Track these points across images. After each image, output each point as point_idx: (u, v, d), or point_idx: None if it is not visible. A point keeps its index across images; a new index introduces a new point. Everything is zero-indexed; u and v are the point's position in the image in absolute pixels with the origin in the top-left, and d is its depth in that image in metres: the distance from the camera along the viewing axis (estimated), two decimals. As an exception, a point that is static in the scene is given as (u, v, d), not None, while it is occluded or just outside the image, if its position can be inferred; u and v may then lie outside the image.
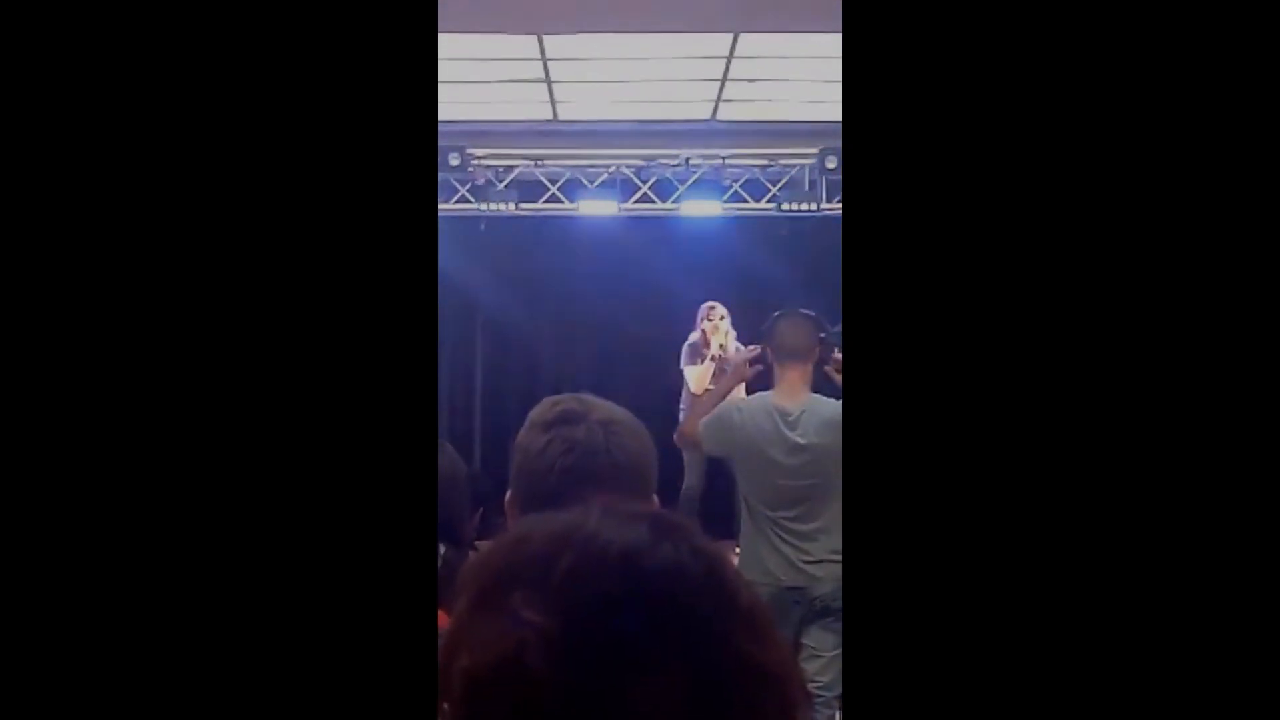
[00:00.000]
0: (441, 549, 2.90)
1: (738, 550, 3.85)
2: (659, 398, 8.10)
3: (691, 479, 7.09)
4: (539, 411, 1.81)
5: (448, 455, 3.24)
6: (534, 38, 7.03)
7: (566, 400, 1.82)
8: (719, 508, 4.01)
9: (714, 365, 7.29)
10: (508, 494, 1.80)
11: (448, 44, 7.02)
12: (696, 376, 7.31)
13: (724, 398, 3.96)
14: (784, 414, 3.75)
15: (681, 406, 7.42)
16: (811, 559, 3.64)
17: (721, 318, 7.39)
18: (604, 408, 1.82)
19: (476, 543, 3.18)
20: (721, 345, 7.30)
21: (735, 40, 7.00)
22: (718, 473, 4.11)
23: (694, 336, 7.48)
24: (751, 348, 4.00)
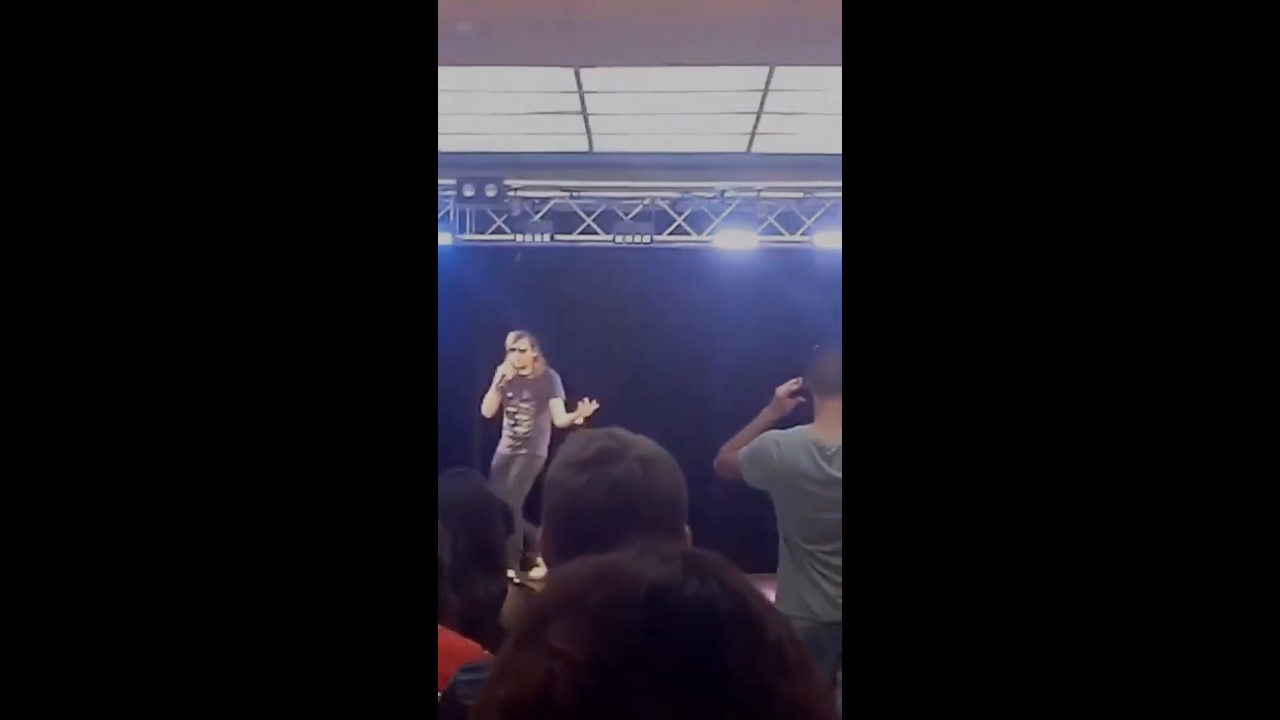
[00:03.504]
0: (480, 583, 2.91)
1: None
2: (691, 428, 8.09)
3: None
4: (574, 449, 1.80)
5: (478, 484, 3.25)
6: (571, 71, 7.08)
7: (601, 438, 1.81)
8: (755, 539, 3.99)
9: (498, 390, 7.56)
10: (540, 531, 1.78)
11: (485, 77, 7.07)
12: (485, 402, 7.61)
13: (763, 430, 3.95)
14: (822, 448, 3.74)
15: None
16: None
17: (523, 350, 7.59)
18: (639, 443, 1.82)
19: (513, 571, 3.19)
20: (507, 372, 7.55)
21: (771, 73, 7.03)
22: (756, 503, 4.08)
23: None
24: (793, 381, 3.99)
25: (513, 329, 7.78)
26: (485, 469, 7.78)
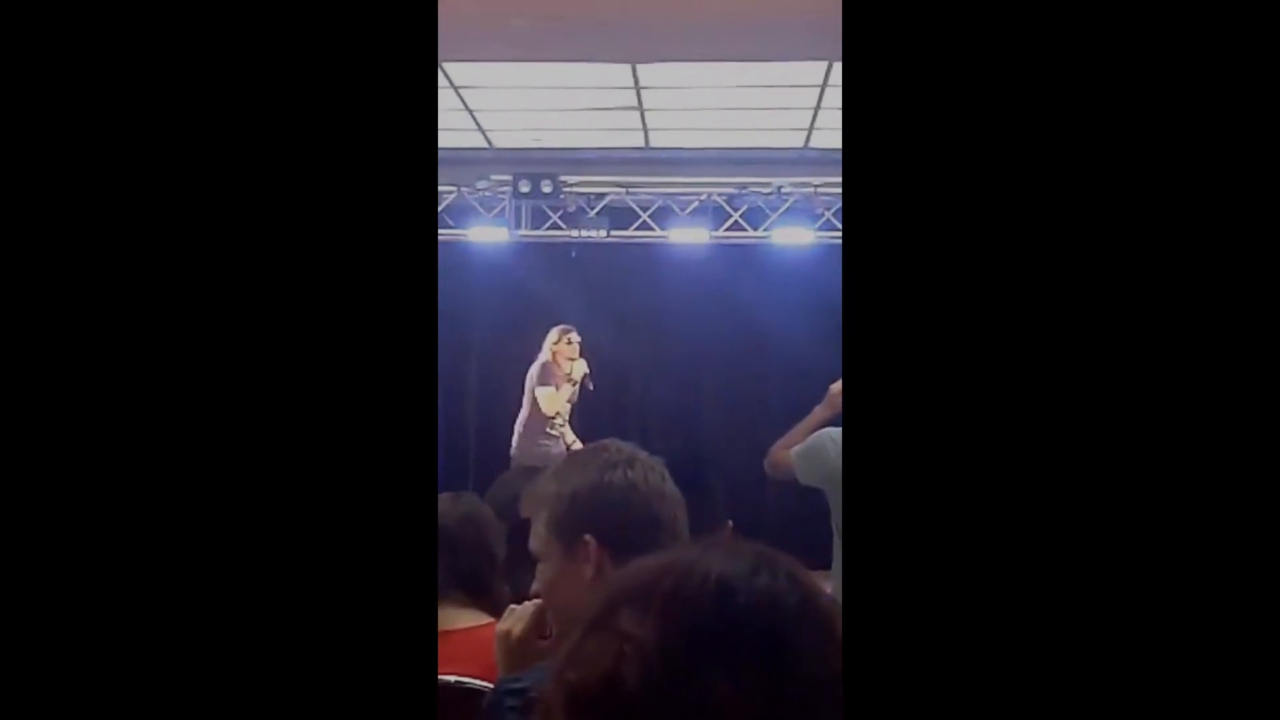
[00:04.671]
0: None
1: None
2: (746, 424, 8.09)
3: None
4: (607, 456, 1.87)
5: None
6: (628, 66, 7.08)
7: (611, 443, 1.91)
8: (809, 536, 3.99)
9: (571, 389, 7.37)
10: (589, 544, 1.79)
11: (542, 72, 7.10)
12: (548, 398, 7.35)
13: (816, 428, 3.92)
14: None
15: (519, 428, 7.47)
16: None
17: (576, 341, 7.48)
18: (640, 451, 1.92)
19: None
20: (572, 369, 7.41)
21: (829, 68, 7.00)
22: (808, 501, 4.06)
23: (543, 358, 7.50)
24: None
25: (568, 324, 7.73)
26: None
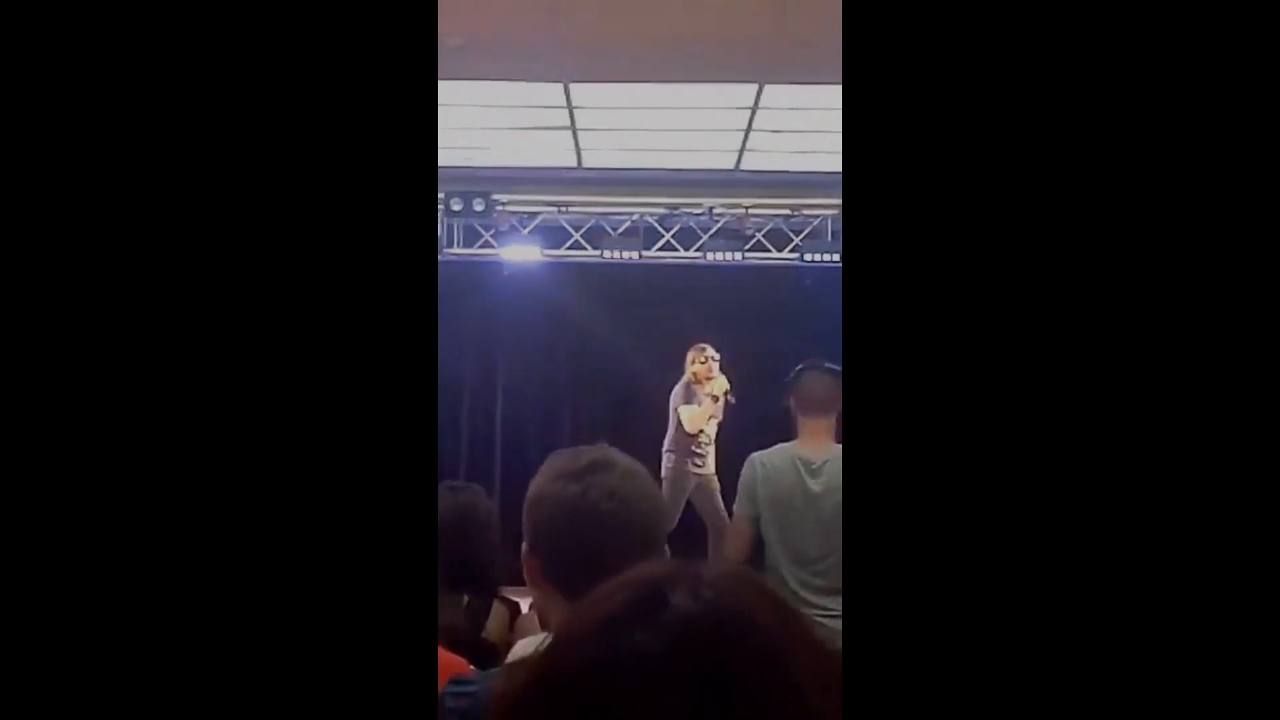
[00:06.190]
0: (465, 599, 2.90)
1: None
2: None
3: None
4: (562, 462, 1.78)
5: (481, 500, 3.23)
6: (560, 86, 7.10)
7: (589, 450, 1.81)
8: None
9: (713, 405, 7.33)
10: (524, 549, 1.76)
11: (475, 91, 7.09)
12: (692, 416, 7.30)
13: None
14: (807, 463, 3.75)
15: (667, 448, 7.38)
16: (834, 613, 3.61)
17: (713, 358, 7.44)
18: (625, 458, 1.82)
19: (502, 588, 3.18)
20: (712, 386, 7.36)
21: (760, 91, 7.06)
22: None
23: (685, 379, 7.47)
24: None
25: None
26: (483, 479, 7.62)
